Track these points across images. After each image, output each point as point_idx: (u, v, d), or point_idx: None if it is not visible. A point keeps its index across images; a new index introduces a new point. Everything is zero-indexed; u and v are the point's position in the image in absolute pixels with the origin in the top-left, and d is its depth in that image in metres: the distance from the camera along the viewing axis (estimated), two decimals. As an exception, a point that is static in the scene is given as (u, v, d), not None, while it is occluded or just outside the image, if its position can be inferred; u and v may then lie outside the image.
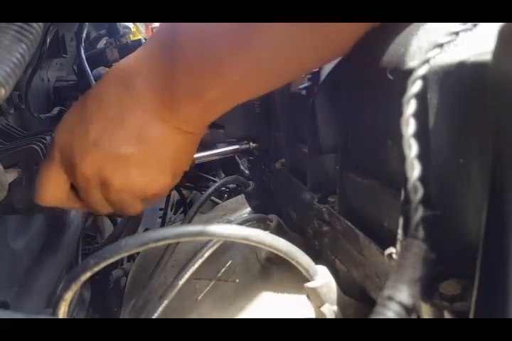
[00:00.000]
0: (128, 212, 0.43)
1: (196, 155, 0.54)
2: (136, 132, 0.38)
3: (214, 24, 0.33)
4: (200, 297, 0.43)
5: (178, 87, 0.37)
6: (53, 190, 0.41)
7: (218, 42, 0.34)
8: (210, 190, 0.55)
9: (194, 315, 0.41)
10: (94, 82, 0.84)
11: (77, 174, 0.39)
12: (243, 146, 0.58)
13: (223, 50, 0.34)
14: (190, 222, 0.51)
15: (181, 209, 1.10)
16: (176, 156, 0.41)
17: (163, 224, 0.94)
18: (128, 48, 0.90)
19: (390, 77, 0.26)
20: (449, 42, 0.23)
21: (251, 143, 0.58)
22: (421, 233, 0.21)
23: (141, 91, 0.38)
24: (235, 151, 0.59)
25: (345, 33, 0.32)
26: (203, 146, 0.59)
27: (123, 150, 0.38)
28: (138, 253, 0.66)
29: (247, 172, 0.83)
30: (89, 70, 0.83)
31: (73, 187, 0.42)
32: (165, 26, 0.38)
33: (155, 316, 0.39)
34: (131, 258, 0.84)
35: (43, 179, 0.41)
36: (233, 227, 0.34)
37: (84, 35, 0.86)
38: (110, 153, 0.38)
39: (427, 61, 0.22)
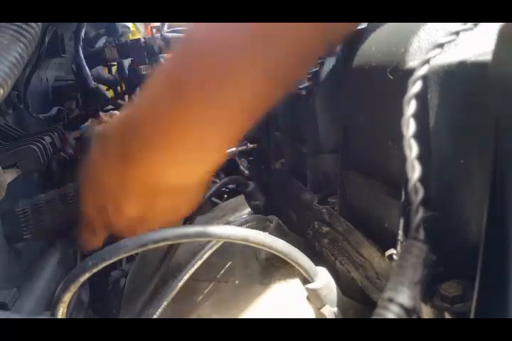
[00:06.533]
0: None
1: None
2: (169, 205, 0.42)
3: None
4: (199, 298, 0.43)
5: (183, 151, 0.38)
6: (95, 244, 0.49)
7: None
8: (211, 190, 0.55)
9: (193, 317, 0.41)
10: (93, 82, 0.84)
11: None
12: (241, 148, 0.58)
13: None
14: (190, 223, 0.51)
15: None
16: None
17: (162, 225, 0.93)
18: (127, 47, 0.90)
19: (390, 77, 0.26)
20: (449, 42, 0.23)
21: (248, 144, 0.58)
22: (421, 234, 0.21)
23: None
24: (233, 154, 0.59)
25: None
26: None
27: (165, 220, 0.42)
28: (137, 253, 0.66)
29: (246, 172, 0.83)
30: (88, 70, 0.83)
31: None
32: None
33: (154, 317, 0.39)
34: (130, 259, 0.84)
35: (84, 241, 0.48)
36: (233, 228, 0.34)
37: (82, 34, 0.86)
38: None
39: (427, 61, 0.22)
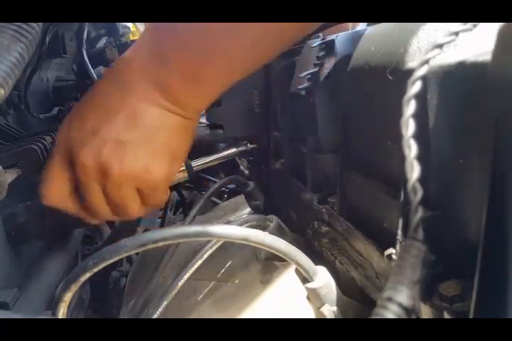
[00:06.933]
0: (127, 213, 0.43)
1: (194, 163, 0.54)
2: (131, 118, 0.40)
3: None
4: (199, 298, 0.43)
5: (173, 73, 0.39)
6: (57, 187, 0.42)
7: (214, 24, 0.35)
8: (211, 190, 0.55)
9: (193, 316, 0.41)
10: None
11: (77, 166, 0.41)
12: (241, 148, 0.58)
13: (221, 28, 0.35)
14: (191, 222, 0.51)
15: (181, 209, 1.09)
16: (172, 140, 0.42)
17: (162, 225, 0.94)
18: (127, 47, 0.90)
19: (390, 78, 0.26)
20: (448, 42, 0.23)
21: (248, 144, 0.58)
22: (420, 234, 0.21)
23: (134, 82, 0.40)
24: (233, 155, 0.59)
25: None
26: (203, 146, 0.58)
27: (120, 136, 0.40)
28: (137, 253, 0.66)
29: (246, 172, 0.83)
30: (92, 71, 0.83)
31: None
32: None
33: (154, 317, 0.39)
34: (130, 258, 0.84)
35: (47, 176, 0.43)
36: (233, 228, 0.34)
37: (85, 35, 0.86)
38: (107, 140, 0.40)
39: (426, 61, 0.22)
